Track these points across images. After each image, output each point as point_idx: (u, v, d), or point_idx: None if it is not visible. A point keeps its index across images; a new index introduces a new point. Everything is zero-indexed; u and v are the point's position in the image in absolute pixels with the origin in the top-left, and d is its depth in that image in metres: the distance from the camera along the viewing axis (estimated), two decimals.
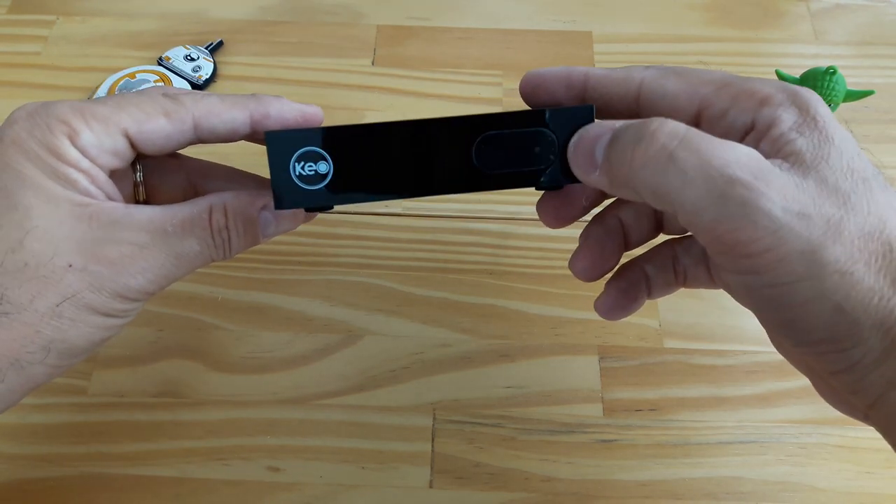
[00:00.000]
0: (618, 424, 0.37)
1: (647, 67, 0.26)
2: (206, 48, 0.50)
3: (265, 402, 0.37)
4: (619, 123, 0.24)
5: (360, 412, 0.37)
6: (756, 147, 0.23)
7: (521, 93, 0.28)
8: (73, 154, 0.24)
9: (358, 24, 0.52)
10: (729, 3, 0.54)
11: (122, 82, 0.47)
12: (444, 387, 0.38)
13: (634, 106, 0.26)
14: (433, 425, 0.36)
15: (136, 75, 0.48)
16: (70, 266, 0.23)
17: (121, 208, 0.25)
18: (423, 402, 0.37)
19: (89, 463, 0.35)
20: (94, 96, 0.46)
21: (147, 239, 0.25)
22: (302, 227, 0.42)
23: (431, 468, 0.35)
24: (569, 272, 0.41)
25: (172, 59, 0.49)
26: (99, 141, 0.24)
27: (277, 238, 0.42)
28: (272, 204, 0.26)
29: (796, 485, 0.35)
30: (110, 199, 0.25)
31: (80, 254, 0.24)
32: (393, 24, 0.52)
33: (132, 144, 0.25)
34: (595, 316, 0.38)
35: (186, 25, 0.51)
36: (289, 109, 0.27)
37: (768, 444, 0.36)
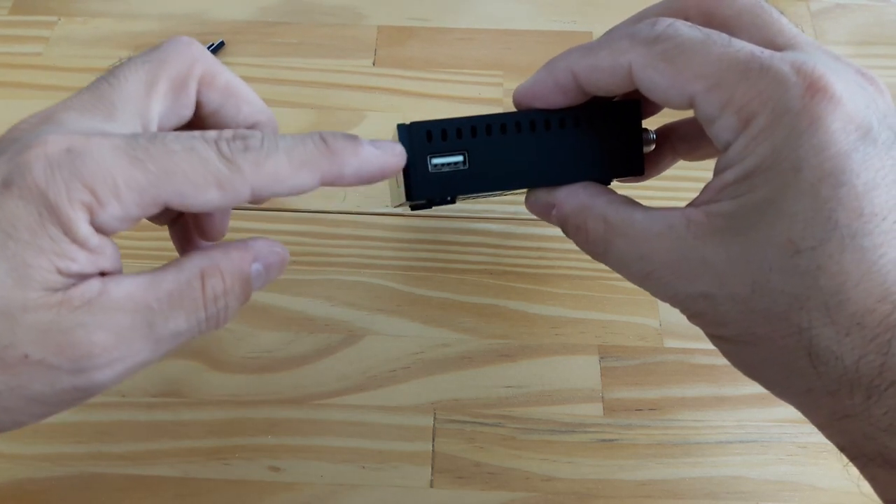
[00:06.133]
0: (618, 424, 0.37)
1: (632, 40, 0.23)
2: (208, 49, 0.50)
3: (266, 401, 0.37)
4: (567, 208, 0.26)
5: (360, 412, 0.37)
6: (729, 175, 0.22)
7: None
8: (83, 232, 0.20)
9: (358, 24, 0.52)
10: None
11: None
12: (445, 386, 0.38)
13: (633, 88, 0.24)
14: (433, 425, 0.36)
15: None
16: (26, 357, 0.20)
17: (96, 286, 0.20)
18: (423, 401, 0.37)
19: (89, 463, 0.35)
20: None
21: (126, 322, 0.21)
22: (302, 227, 0.42)
23: (432, 468, 0.35)
24: (569, 272, 0.41)
25: None
26: (125, 213, 0.20)
27: (278, 238, 0.43)
28: (260, 253, 0.24)
29: (797, 484, 0.35)
30: (104, 272, 0.21)
31: (41, 344, 0.20)
32: (393, 24, 0.52)
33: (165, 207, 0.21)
34: (595, 316, 0.37)
35: (187, 26, 0.51)
36: (367, 168, 0.23)
37: (769, 443, 0.36)
